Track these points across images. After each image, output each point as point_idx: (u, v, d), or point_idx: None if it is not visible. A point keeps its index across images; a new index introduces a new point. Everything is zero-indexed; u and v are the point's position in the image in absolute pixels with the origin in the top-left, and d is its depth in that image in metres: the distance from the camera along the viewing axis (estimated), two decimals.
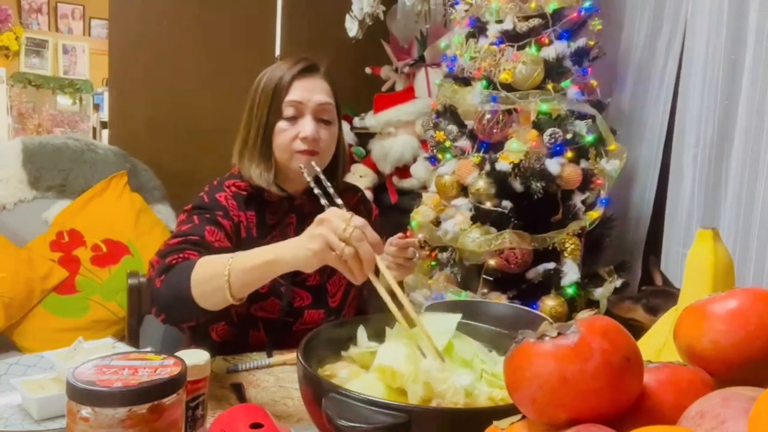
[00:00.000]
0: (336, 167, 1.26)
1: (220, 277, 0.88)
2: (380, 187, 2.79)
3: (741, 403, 0.43)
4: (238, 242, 1.13)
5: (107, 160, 2.28)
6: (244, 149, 1.20)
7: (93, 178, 2.21)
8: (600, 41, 1.86)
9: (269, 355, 1.13)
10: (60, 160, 2.21)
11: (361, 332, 0.91)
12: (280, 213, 1.22)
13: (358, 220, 0.83)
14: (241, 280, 0.88)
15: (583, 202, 1.78)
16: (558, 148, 1.71)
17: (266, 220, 1.21)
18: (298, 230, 1.10)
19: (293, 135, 1.15)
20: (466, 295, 1.76)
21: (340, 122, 1.25)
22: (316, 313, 1.23)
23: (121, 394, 0.55)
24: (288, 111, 1.15)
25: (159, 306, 0.98)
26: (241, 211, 1.17)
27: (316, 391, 0.71)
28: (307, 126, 1.14)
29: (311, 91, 1.16)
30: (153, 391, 0.56)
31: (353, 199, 1.36)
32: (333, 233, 0.81)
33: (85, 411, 0.55)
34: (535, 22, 1.76)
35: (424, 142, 2.46)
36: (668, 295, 1.27)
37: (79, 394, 0.55)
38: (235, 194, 1.19)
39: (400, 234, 1.24)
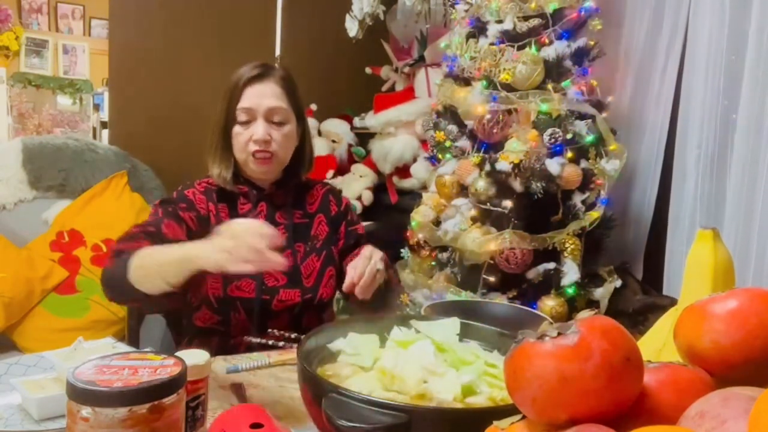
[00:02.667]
0: (299, 164, 1.37)
1: (154, 266, 1.02)
2: (380, 187, 2.78)
3: (741, 403, 0.43)
4: (209, 230, 1.23)
5: (107, 160, 2.27)
6: (209, 150, 1.33)
7: (93, 178, 2.21)
8: (600, 41, 1.85)
9: (258, 335, 1.17)
10: (60, 160, 2.20)
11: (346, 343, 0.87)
12: (252, 202, 1.34)
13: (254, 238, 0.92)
14: (163, 271, 1.00)
15: (583, 202, 1.78)
16: (558, 148, 1.71)
17: (238, 210, 1.33)
18: (268, 218, 1.32)
19: (247, 138, 1.27)
20: (466, 295, 1.76)
21: (304, 121, 1.35)
22: (292, 292, 1.31)
23: (121, 394, 0.55)
24: (241, 117, 1.28)
25: (103, 285, 1.14)
26: (211, 203, 1.31)
27: (316, 391, 0.71)
28: (258, 129, 1.26)
29: (261, 97, 1.28)
30: (153, 391, 0.56)
31: (322, 191, 1.45)
32: (242, 245, 0.92)
33: (85, 411, 0.55)
34: (535, 22, 1.76)
35: (424, 142, 2.46)
36: (655, 307, 1.25)
37: (80, 394, 0.55)
38: (206, 189, 1.33)
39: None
